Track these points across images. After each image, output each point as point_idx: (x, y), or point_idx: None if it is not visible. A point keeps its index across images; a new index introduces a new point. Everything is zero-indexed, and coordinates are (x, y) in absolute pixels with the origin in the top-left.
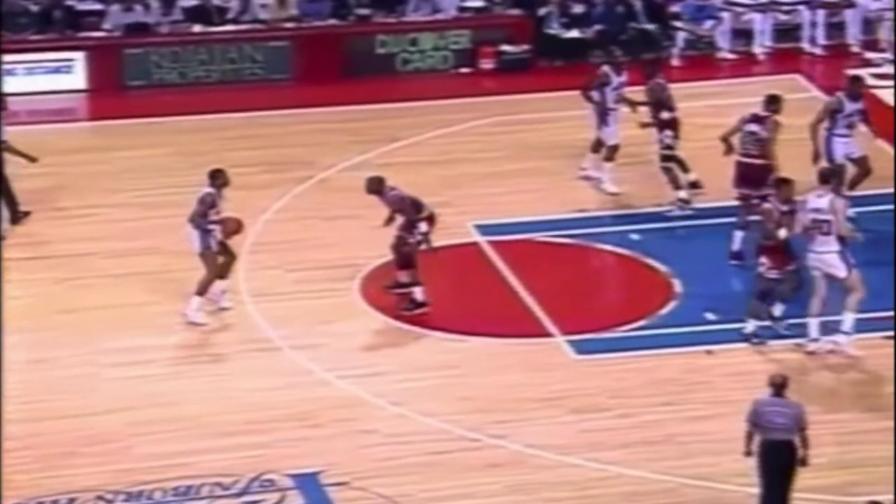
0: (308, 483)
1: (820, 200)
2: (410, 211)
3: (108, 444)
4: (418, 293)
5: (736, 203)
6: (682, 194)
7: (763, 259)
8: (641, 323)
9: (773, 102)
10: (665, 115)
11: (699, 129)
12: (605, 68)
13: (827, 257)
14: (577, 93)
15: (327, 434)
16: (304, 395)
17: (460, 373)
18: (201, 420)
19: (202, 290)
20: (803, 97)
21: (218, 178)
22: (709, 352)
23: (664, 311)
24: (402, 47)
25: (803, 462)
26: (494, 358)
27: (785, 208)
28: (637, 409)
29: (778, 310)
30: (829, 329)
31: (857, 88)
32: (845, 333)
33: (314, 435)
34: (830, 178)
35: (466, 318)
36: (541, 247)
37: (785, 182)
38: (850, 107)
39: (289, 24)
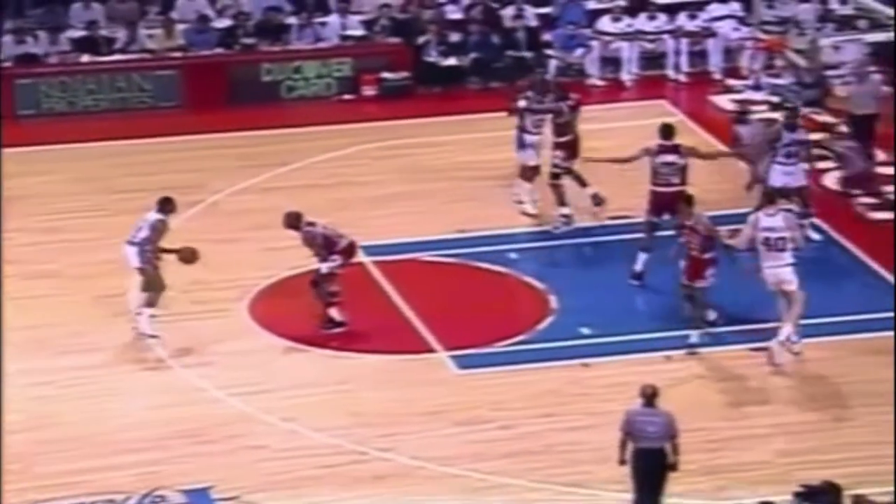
0: (199, 498)
1: (772, 219)
2: (320, 249)
3: (9, 464)
4: (335, 312)
5: (619, 223)
6: (565, 210)
7: (686, 270)
8: (520, 338)
9: (670, 131)
10: (565, 137)
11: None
12: (530, 94)
13: (781, 271)
14: (455, 118)
15: (218, 450)
16: (195, 413)
17: (348, 388)
18: (94, 439)
19: (151, 303)
20: (669, 121)
21: (167, 205)
22: (585, 365)
23: (541, 326)
24: (287, 75)
25: (674, 468)
26: (381, 374)
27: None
28: (518, 421)
29: (711, 314)
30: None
31: (792, 119)
32: (781, 343)
33: (205, 451)
34: (775, 197)
35: (354, 336)
36: (424, 266)
37: (688, 200)
38: (788, 136)
39: (176, 54)
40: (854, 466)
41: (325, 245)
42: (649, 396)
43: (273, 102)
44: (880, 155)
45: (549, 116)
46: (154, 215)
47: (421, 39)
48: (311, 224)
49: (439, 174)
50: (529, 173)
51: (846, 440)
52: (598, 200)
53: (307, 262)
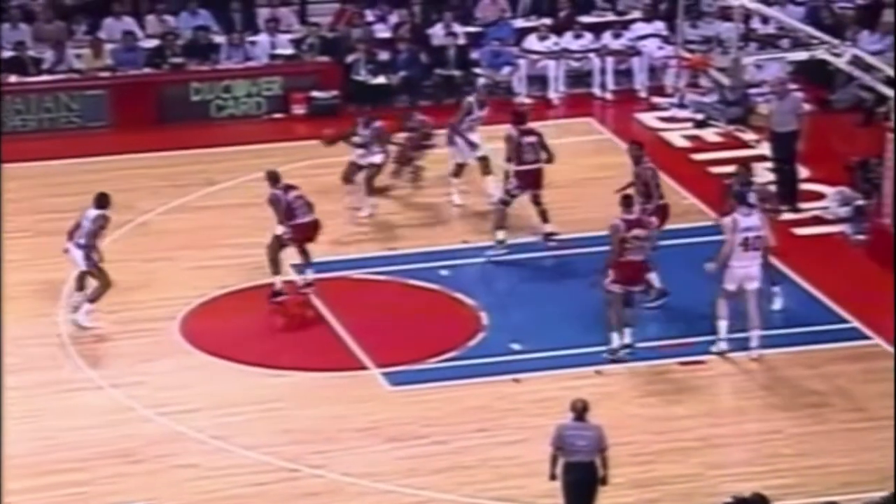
0: None
1: (750, 219)
2: (281, 215)
3: None
4: (278, 282)
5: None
6: (500, 235)
7: (610, 273)
8: (452, 354)
9: (639, 148)
10: (516, 167)
11: (500, 169)
12: (470, 99)
13: (753, 270)
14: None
15: (148, 469)
16: (124, 433)
17: (280, 406)
18: (23, 460)
19: (94, 298)
20: (596, 139)
21: (104, 200)
22: (516, 380)
23: (473, 342)
24: (216, 94)
25: (603, 481)
26: (312, 391)
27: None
28: (450, 436)
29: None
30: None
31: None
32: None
33: (135, 471)
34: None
35: (285, 354)
36: (355, 284)
37: (626, 198)
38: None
39: (104, 74)
40: (782, 478)
41: (285, 212)
42: (580, 411)
43: (202, 122)
44: (803, 171)
45: (508, 141)
46: (94, 212)
47: (350, 58)
48: (286, 188)
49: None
50: (457, 169)
51: (774, 452)
52: (551, 236)
53: (238, 280)
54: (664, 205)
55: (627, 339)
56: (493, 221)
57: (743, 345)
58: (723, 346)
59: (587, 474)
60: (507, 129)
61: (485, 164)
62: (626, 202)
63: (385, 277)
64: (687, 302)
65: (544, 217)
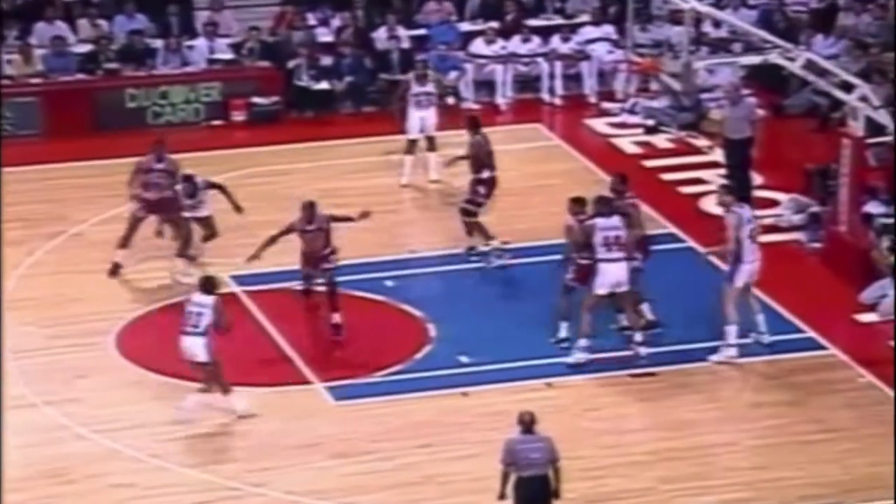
0: None
1: (747, 210)
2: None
3: None
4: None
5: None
6: (494, 242)
7: (570, 271)
8: (398, 367)
9: (622, 181)
10: (485, 174)
11: (452, 177)
12: (409, 76)
13: (759, 263)
14: (327, 143)
15: (81, 490)
16: (58, 451)
17: (221, 422)
18: None
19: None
20: (545, 145)
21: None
22: (464, 394)
23: (420, 355)
24: (153, 101)
25: (556, 495)
26: (255, 406)
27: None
28: (396, 452)
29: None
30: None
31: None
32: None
33: (69, 491)
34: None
35: (226, 368)
36: (297, 296)
37: (578, 200)
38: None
39: (35, 80)
40: (738, 492)
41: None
42: (528, 423)
43: (139, 129)
44: (756, 178)
45: (471, 149)
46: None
47: (292, 63)
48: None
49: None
50: (409, 146)
51: (729, 465)
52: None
53: (176, 293)
54: (647, 236)
55: (564, 333)
56: (477, 235)
57: (691, 356)
58: (732, 352)
59: (542, 488)
60: (468, 138)
61: (431, 142)
62: (579, 203)
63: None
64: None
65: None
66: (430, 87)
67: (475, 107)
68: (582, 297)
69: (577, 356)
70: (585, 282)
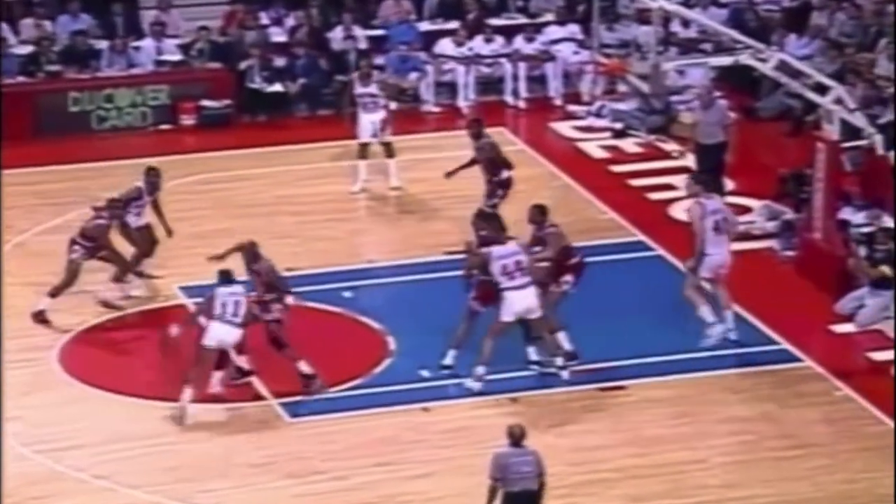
0: None
1: (714, 201)
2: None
3: None
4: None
5: (446, 258)
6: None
7: (472, 291)
8: (356, 382)
9: (542, 213)
10: (504, 174)
11: (411, 182)
12: (353, 76)
13: (727, 256)
14: (281, 148)
15: None
16: None
17: (168, 440)
18: None
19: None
20: (508, 150)
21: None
22: (425, 409)
23: (379, 369)
24: (97, 104)
25: None
26: (205, 424)
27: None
28: (353, 471)
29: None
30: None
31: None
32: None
33: None
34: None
35: (174, 384)
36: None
37: (492, 217)
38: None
39: None
40: None
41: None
42: (518, 437)
43: (82, 134)
44: (727, 184)
45: (481, 152)
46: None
47: (243, 64)
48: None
49: (263, 208)
50: (361, 151)
51: (699, 483)
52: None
53: (122, 306)
54: (578, 262)
55: (449, 361)
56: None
57: (659, 370)
58: (719, 329)
59: (534, 501)
60: (472, 142)
61: (388, 148)
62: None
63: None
64: (608, 323)
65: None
66: (373, 88)
67: (434, 109)
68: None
69: (471, 384)
70: (490, 303)
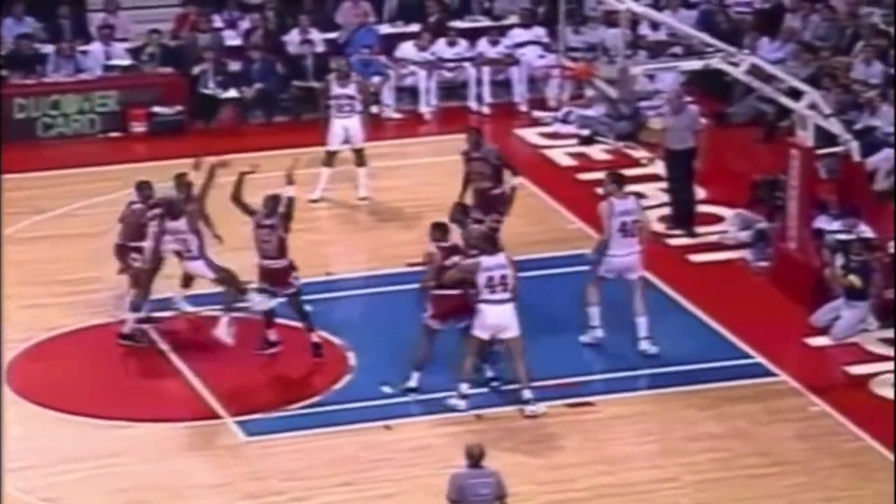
0: None
1: (626, 202)
2: None
3: None
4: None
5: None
6: None
7: (428, 308)
8: (315, 399)
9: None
10: (506, 185)
11: (371, 192)
12: (330, 77)
13: (630, 259)
14: (236, 156)
15: None
16: None
17: (121, 462)
18: None
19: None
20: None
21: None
22: (387, 427)
23: (339, 385)
24: (43, 111)
25: None
26: (158, 444)
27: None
28: (313, 492)
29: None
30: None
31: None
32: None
33: None
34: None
35: (126, 403)
36: (204, 322)
37: (440, 226)
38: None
39: None
40: None
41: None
42: (477, 457)
43: (28, 142)
44: (699, 192)
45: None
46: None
47: (196, 69)
48: None
49: (219, 219)
50: (327, 158)
51: (670, 502)
52: None
53: (71, 321)
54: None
55: (413, 383)
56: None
57: (628, 385)
58: (598, 334)
59: None
60: (472, 152)
61: (359, 155)
62: (440, 229)
63: (238, 315)
64: (575, 337)
65: None
66: (351, 90)
67: (396, 116)
68: (459, 340)
69: (455, 402)
70: (447, 320)
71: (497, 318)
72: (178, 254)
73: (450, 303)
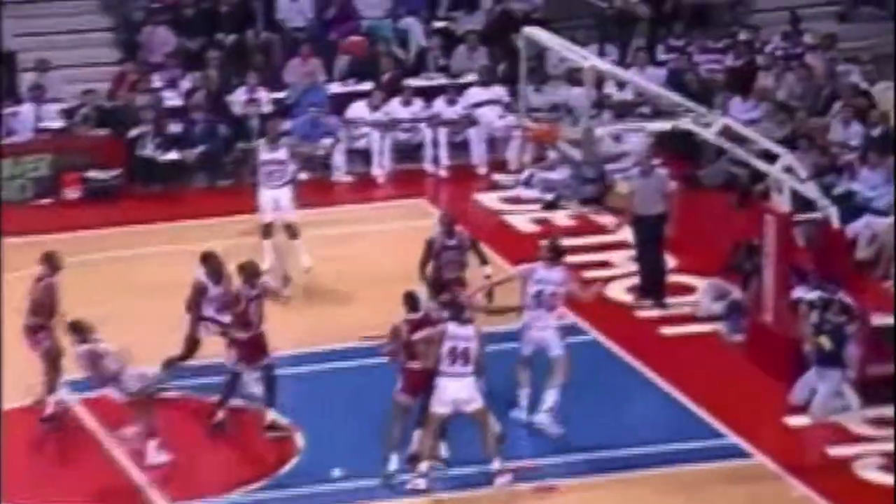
0: None
1: (551, 272)
2: None
3: None
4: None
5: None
6: None
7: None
8: (260, 484)
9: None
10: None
11: (317, 262)
12: (259, 141)
13: (545, 334)
14: (177, 224)
15: None
16: None
17: None
18: None
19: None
20: (429, 224)
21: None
22: None
23: (285, 469)
24: None
25: None
26: None
27: None
28: None
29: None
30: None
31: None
32: (547, 411)
33: None
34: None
35: (53, 488)
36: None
37: (410, 296)
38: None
39: None
40: None
41: None
42: None
43: None
44: (669, 261)
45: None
46: None
47: (134, 131)
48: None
49: (159, 291)
50: (265, 230)
51: None
52: None
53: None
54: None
55: (394, 465)
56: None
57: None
58: (521, 416)
59: None
60: (445, 240)
61: (290, 229)
62: (410, 301)
63: (178, 394)
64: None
65: None
66: (282, 154)
67: (347, 179)
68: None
69: (417, 482)
70: (418, 395)
71: (455, 393)
72: None
73: (421, 377)
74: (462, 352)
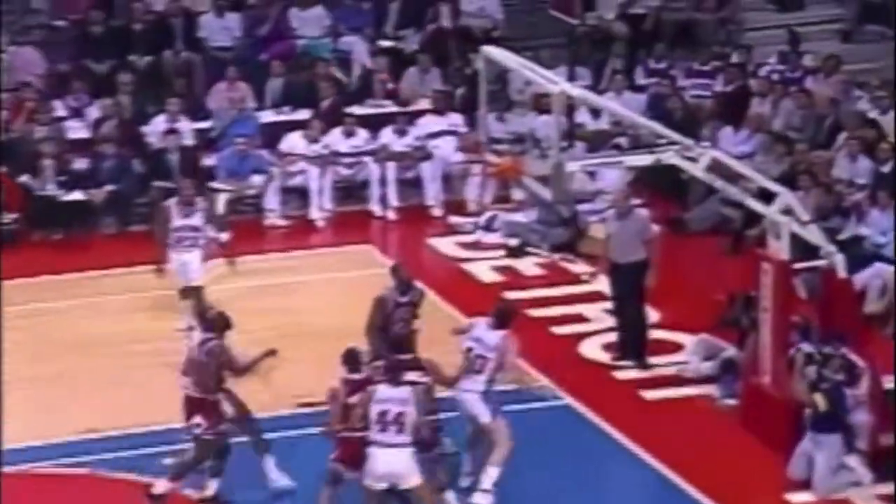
0: None
1: (488, 334)
2: None
3: None
4: None
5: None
6: None
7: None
8: None
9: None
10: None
11: (248, 316)
12: (170, 202)
13: (468, 396)
14: (85, 274)
15: None
16: None
17: None
18: None
19: None
20: (377, 273)
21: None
22: None
23: None
24: None
25: None
26: None
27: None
28: None
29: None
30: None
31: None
32: (484, 491)
33: None
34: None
35: None
36: (41, 481)
37: (352, 353)
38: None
39: None
40: None
41: None
42: None
43: None
44: (652, 315)
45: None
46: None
47: (32, 168)
48: None
49: (63, 353)
50: (182, 291)
51: None
52: None
53: None
54: None
55: None
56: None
57: None
58: (463, 483)
59: None
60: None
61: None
62: (351, 359)
63: (83, 471)
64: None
65: None
66: (197, 220)
67: (281, 222)
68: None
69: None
70: (356, 465)
71: (387, 466)
72: None
73: (359, 445)
74: (395, 417)
